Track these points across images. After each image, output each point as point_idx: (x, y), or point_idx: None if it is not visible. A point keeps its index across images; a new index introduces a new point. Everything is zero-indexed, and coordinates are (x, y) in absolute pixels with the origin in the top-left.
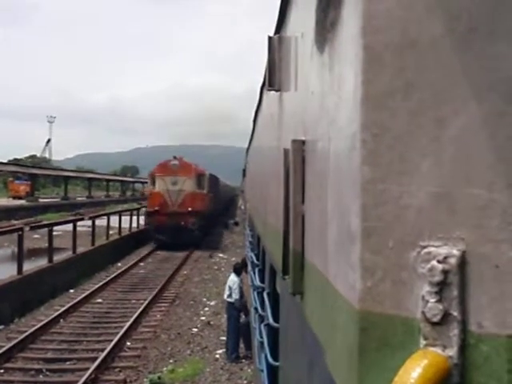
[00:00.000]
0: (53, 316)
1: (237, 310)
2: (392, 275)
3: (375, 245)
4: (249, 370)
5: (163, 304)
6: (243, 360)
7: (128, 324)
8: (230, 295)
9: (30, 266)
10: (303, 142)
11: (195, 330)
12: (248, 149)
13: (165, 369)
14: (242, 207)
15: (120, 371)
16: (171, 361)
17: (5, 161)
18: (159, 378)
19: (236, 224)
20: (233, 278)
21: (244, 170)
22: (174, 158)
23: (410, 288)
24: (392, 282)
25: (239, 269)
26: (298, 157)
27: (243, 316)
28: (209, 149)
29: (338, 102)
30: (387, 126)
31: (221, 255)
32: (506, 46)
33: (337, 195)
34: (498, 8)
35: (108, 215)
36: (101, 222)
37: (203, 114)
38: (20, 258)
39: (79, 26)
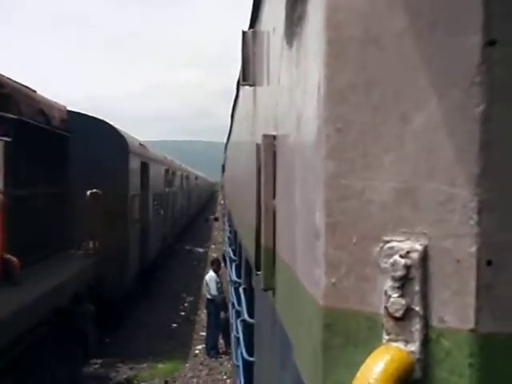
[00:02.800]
0: None
1: (216, 305)
2: (356, 270)
3: (339, 240)
4: (228, 366)
5: None
6: (223, 355)
7: None
8: (208, 291)
9: None
10: (274, 137)
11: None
12: (226, 144)
13: (144, 365)
14: (222, 202)
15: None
16: (151, 356)
17: None
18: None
19: (216, 219)
20: (210, 274)
21: (223, 166)
22: None
23: (373, 283)
24: (356, 278)
25: (216, 265)
26: (268, 152)
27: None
28: (189, 144)
29: (305, 97)
30: (351, 121)
31: (200, 250)
32: (467, 40)
33: (303, 190)
34: (458, 1)
35: None
36: None
37: (183, 110)
38: None
39: (63, 24)
